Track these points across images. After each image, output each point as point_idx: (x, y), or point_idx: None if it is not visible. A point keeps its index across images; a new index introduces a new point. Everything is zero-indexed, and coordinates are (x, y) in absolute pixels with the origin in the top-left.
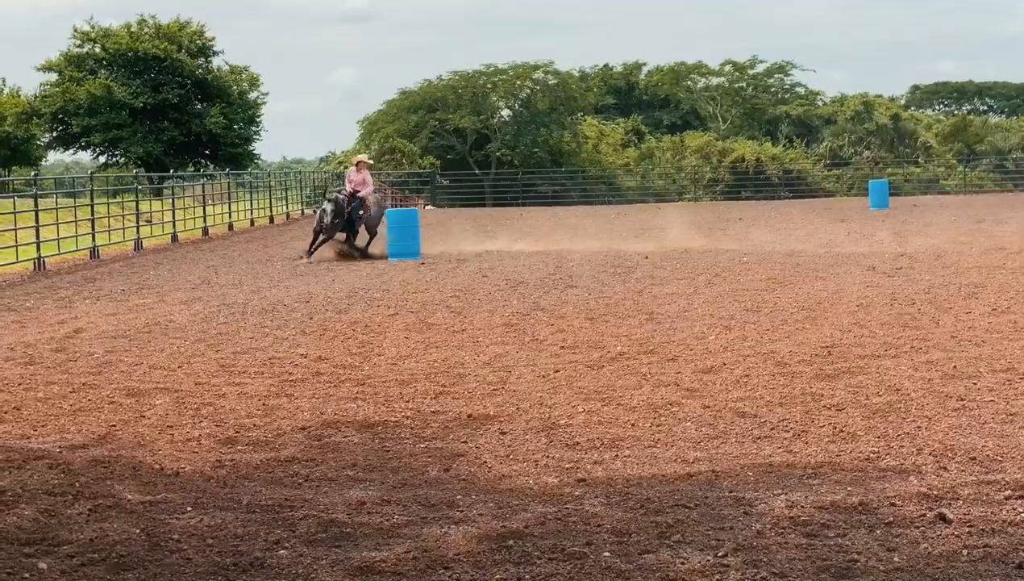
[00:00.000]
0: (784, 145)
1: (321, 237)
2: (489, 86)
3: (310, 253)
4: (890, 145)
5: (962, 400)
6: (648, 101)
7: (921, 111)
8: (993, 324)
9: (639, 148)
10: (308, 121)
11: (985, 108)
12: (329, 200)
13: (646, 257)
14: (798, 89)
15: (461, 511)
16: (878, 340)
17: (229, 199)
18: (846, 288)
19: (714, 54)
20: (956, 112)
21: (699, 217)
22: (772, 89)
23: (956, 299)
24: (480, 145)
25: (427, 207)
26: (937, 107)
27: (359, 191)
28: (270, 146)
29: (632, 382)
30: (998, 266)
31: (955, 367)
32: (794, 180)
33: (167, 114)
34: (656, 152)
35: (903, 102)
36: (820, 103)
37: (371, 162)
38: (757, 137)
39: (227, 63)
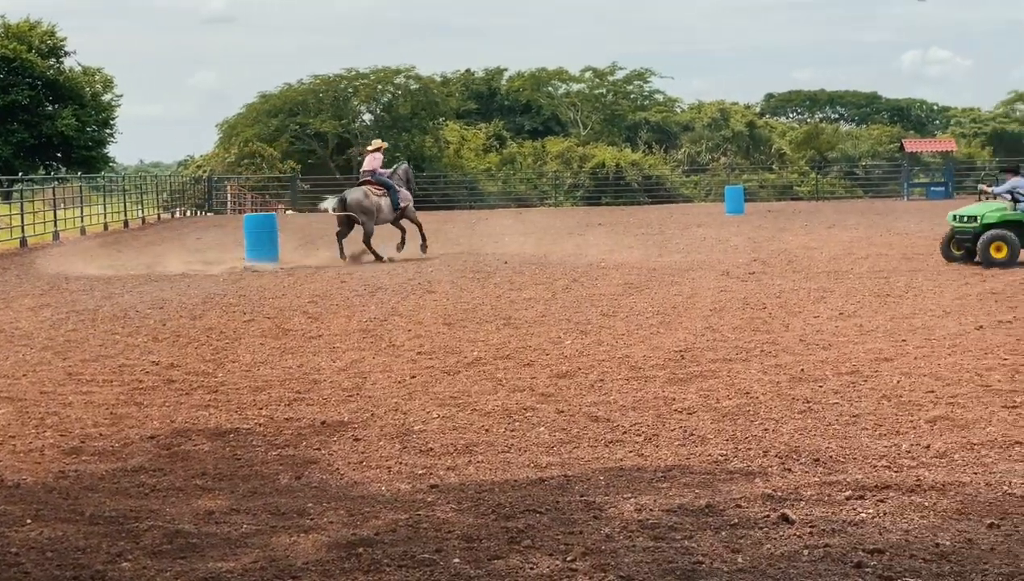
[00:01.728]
0: (643, 151)
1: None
2: (350, 90)
3: (344, 256)
4: (746, 152)
5: (808, 403)
6: (510, 106)
7: (775, 119)
8: (840, 328)
9: (501, 153)
10: (167, 124)
11: (836, 116)
12: (339, 198)
13: (505, 262)
14: (657, 96)
15: (312, 519)
16: (730, 344)
17: (81, 203)
18: (700, 293)
19: (575, 60)
20: (809, 120)
21: (560, 222)
22: (632, 96)
23: (805, 303)
24: (342, 149)
25: (287, 212)
26: (791, 115)
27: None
28: (127, 149)
29: (487, 387)
30: (846, 271)
31: (803, 370)
32: (653, 186)
33: (16, 116)
34: (518, 157)
35: (758, 110)
36: (678, 110)
37: (385, 145)
38: (617, 143)
39: (80, 64)
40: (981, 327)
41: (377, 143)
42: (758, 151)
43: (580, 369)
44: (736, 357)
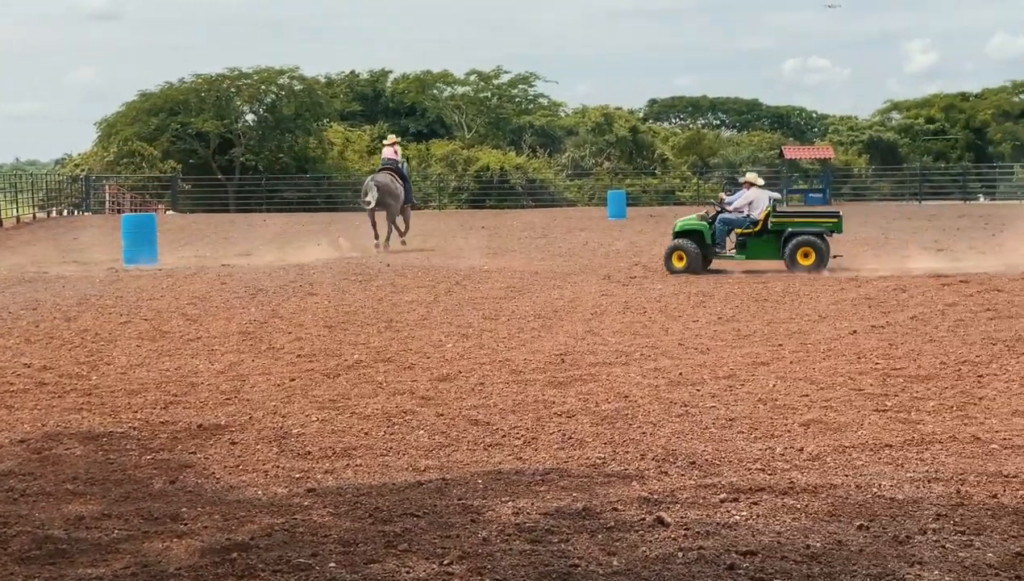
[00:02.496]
0: (528, 155)
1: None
2: (233, 90)
3: (378, 239)
4: (629, 156)
5: (686, 406)
6: (394, 109)
7: (658, 124)
8: (718, 332)
9: None
10: (45, 122)
11: (718, 122)
12: (375, 182)
13: (388, 264)
14: (541, 100)
15: (185, 524)
16: (610, 348)
17: None
18: (582, 297)
19: (460, 63)
20: (691, 126)
21: (443, 225)
22: (516, 99)
23: (685, 307)
24: (224, 150)
25: (168, 212)
26: (673, 120)
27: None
28: (1, 147)
29: (367, 390)
30: (724, 275)
31: (681, 374)
32: (537, 189)
33: None
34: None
35: (642, 115)
36: (563, 114)
37: (399, 140)
38: (501, 146)
39: None
40: (855, 332)
41: (393, 138)
42: (641, 156)
43: (461, 372)
44: (616, 361)
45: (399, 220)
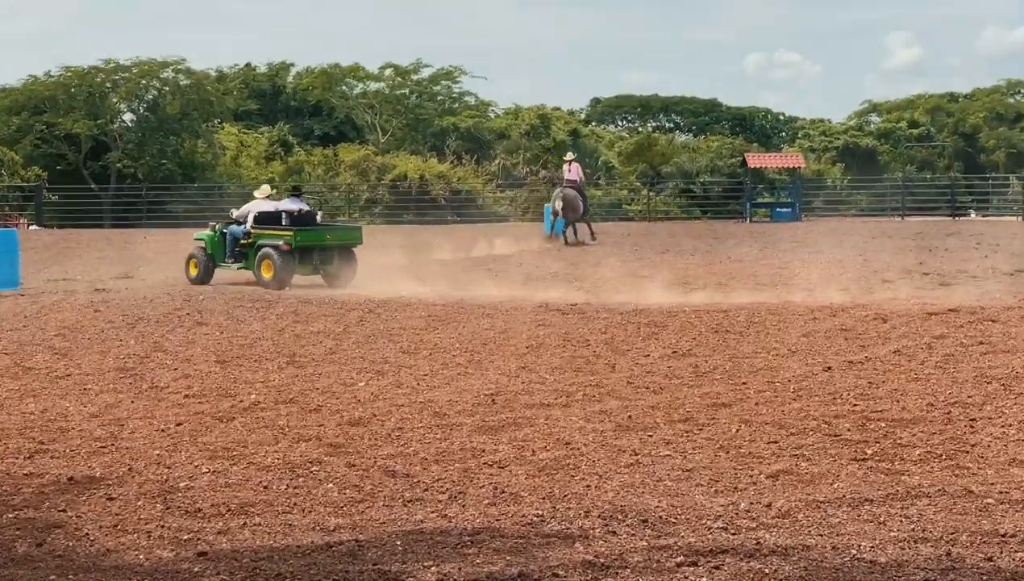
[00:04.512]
0: (452, 162)
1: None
2: (108, 85)
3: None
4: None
5: (636, 455)
6: (297, 108)
7: (603, 127)
8: (673, 368)
9: (286, 161)
10: None
11: (671, 125)
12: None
13: (288, 289)
14: (468, 98)
15: None
16: (548, 387)
17: None
18: (515, 327)
19: (373, 56)
20: (640, 129)
21: None
22: (439, 98)
23: (634, 339)
24: (97, 155)
25: (31, 227)
26: (620, 123)
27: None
28: None
29: (267, 437)
30: (679, 303)
31: (630, 417)
32: (463, 202)
33: None
34: (306, 166)
35: (583, 116)
36: (492, 115)
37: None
38: (421, 152)
39: None
40: (829, 368)
41: (571, 155)
42: (583, 163)
43: (375, 415)
44: (555, 402)
45: (581, 228)
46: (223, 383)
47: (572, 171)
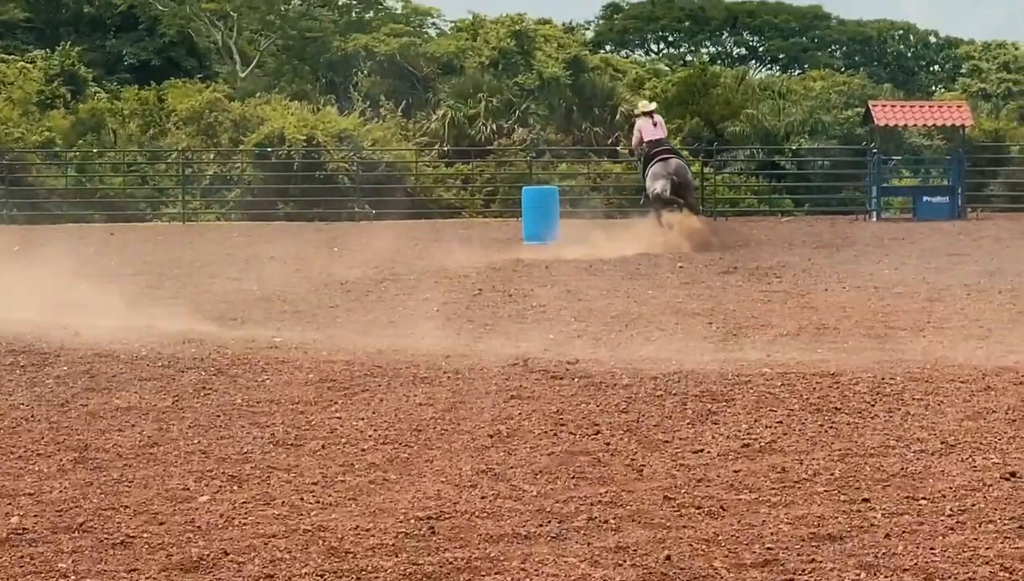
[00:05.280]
0: (362, 114)
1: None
2: None
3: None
4: (567, 116)
5: None
6: (95, 18)
7: (624, 53)
8: (743, 474)
9: (75, 111)
10: None
11: (743, 52)
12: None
13: (76, 334)
14: (391, 4)
15: None
16: (527, 505)
17: None
18: (471, 400)
19: None
20: (689, 57)
21: (195, 255)
22: (339, 6)
23: (677, 424)
24: None
25: None
26: (653, 47)
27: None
28: None
29: None
30: (755, 360)
31: (669, 559)
32: (383, 182)
33: None
34: (108, 120)
35: (591, 35)
36: (434, 32)
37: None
38: (310, 96)
39: None
40: (1014, 475)
41: (647, 105)
42: (589, 116)
43: (227, 555)
44: (540, 531)
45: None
46: None
47: (658, 126)
